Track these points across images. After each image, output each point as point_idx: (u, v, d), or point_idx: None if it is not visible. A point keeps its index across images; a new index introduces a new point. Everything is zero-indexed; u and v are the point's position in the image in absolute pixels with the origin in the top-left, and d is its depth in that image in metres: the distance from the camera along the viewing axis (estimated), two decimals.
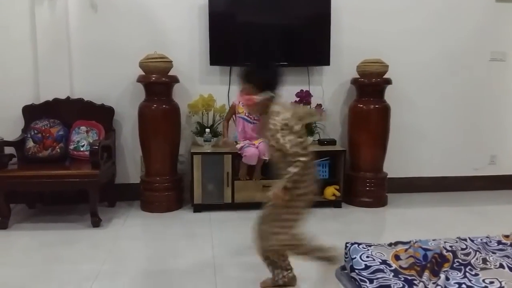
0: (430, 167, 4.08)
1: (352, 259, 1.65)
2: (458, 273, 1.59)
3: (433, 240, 1.80)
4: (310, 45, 3.74)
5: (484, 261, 1.65)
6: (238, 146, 3.39)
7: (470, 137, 4.11)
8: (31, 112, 3.43)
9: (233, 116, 3.52)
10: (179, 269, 2.52)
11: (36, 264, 2.56)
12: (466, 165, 4.12)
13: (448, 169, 4.11)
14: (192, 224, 3.26)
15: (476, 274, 1.57)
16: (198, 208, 3.48)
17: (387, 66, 3.60)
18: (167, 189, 3.49)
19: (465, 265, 1.63)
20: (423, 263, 1.62)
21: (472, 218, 3.46)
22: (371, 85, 3.62)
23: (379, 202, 3.70)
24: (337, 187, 3.59)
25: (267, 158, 3.27)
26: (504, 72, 4.07)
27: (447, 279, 1.56)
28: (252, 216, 3.35)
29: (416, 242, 1.76)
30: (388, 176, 3.75)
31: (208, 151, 3.48)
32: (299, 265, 2.24)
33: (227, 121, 3.53)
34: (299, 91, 3.67)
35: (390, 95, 3.69)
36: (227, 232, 3.11)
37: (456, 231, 3.00)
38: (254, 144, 3.34)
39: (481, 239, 1.85)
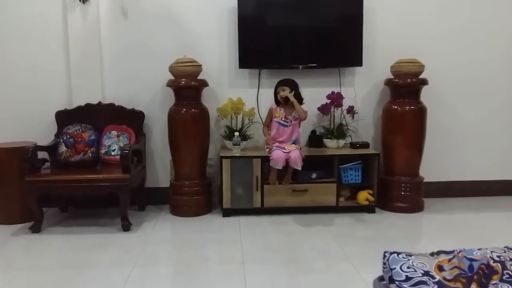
0: (470, 170, 3.89)
1: (392, 269, 1.54)
2: (509, 286, 1.46)
3: (479, 249, 1.67)
4: (342, 45, 3.65)
5: None
6: (267, 149, 3.34)
7: (506, 138, 3.89)
8: (64, 117, 3.49)
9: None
10: (208, 274, 2.48)
11: (68, 267, 2.58)
12: (509, 168, 3.91)
13: (490, 172, 3.91)
14: (221, 228, 3.22)
15: None
16: (227, 213, 3.44)
17: (423, 66, 3.46)
18: (196, 193, 3.46)
19: None
20: (469, 274, 1.50)
21: None
22: (406, 86, 3.48)
23: (415, 207, 3.55)
24: (371, 191, 3.47)
25: (299, 168, 3.20)
26: None
27: None
28: (281, 221, 3.34)
29: (460, 251, 1.64)
30: (424, 180, 3.60)
31: (237, 155, 3.44)
32: None
33: (267, 126, 3.48)
34: (330, 93, 3.58)
35: (427, 96, 3.54)
36: (257, 237, 3.05)
37: (500, 239, 2.88)
38: (284, 148, 3.27)
39: None
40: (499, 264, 1.55)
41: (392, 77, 3.55)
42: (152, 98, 3.67)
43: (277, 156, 3.20)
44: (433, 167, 3.73)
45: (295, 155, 3.20)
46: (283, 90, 3.30)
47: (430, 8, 3.69)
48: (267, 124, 3.47)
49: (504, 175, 3.92)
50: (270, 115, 3.43)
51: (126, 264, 2.58)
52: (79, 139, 3.35)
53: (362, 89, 3.76)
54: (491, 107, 3.84)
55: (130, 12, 3.57)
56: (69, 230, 3.20)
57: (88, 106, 3.52)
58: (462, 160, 3.88)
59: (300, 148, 3.35)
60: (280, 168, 3.23)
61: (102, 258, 2.70)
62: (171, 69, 3.39)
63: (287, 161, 3.24)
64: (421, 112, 3.50)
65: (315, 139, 3.66)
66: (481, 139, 3.85)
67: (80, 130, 3.39)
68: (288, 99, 3.28)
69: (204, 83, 3.45)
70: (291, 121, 3.34)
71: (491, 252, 1.63)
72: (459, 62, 3.75)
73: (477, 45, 3.74)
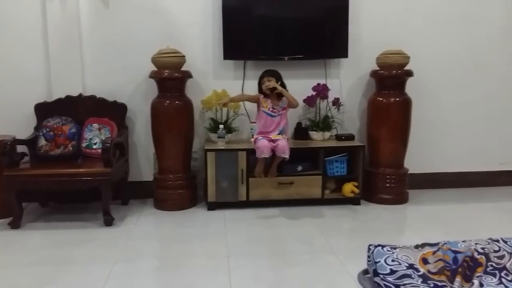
0: (454, 162, 3.92)
1: (376, 262, 1.53)
2: (493, 278, 1.46)
3: (463, 241, 1.66)
4: (327, 37, 3.61)
5: None
6: (252, 139, 3.29)
7: (495, 131, 3.92)
8: (43, 110, 3.39)
9: (257, 109, 3.39)
10: (193, 269, 2.45)
11: (48, 264, 2.53)
12: (492, 160, 3.94)
13: (473, 164, 3.94)
14: (206, 222, 3.18)
15: None
16: (212, 206, 3.40)
17: (409, 57, 3.45)
18: (180, 187, 3.42)
19: (500, 270, 1.50)
20: (454, 267, 1.49)
21: (499, 215, 3.30)
22: (391, 77, 3.47)
23: (400, 199, 3.56)
24: (356, 183, 3.47)
25: (287, 156, 3.17)
26: None
27: (481, 285, 1.43)
28: (267, 214, 3.31)
29: (444, 243, 1.63)
30: (409, 172, 3.61)
31: (222, 147, 3.40)
32: None
33: (242, 96, 3.48)
34: (316, 84, 3.55)
35: (412, 87, 3.54)
36: (242, 230, 3.02)
37: (483, 229, 2.91)
38: (270, 138, 3.22)
39: None
40: (483, 256, 1.54)
41: (378, 68, 3.54)
42: (134, 90, 3.59)
43: (262, 145, 3.15)
44: (417, 159, 3.74)
45: (283, 143, 3.16)
46: (269, 81, 3.25)
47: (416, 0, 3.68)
48: (245, 99, 3.46)
49: (487, 166, 3.96)
50: (255, 100, 3.33)
51: (108, 260, 2.53)
52: (59, 132, 3.27)
53: (348, 81, 3.74)
54: (475, 99, 3.86)
55: (112, 1, 3.47)
56: (49, 225, 3.13)
57: (69, 98, 3.42)
58: (446, 151, 3.90)
59: (288, 139, 3.32)
60: (267, 156, 3.16)
61: (84, 253, 2.65)
62: (154, 60, 3.32)
63: (273, 151, 3.20)
64: (406, 104, 3.49)
65: (300, 131, 3.63)
66: (463, 131, 3.87)
67: (60, 123, 3.30)
68: (274, 90, 3.24)
69: (188, 75, 3.39)
70: (278, 111, 3.30)
71: (476, 244, 1.63)
72: (443, 53, 3.75)
73: (461, 36, 3.75)
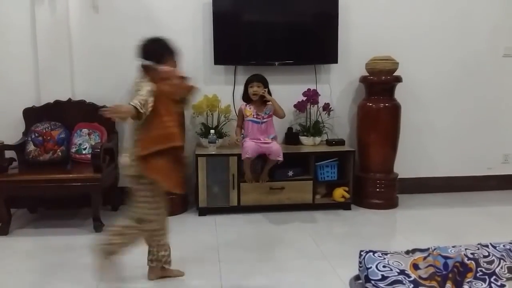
0: (443, 167, 3.96)
1: (368, 268, 1.54)
2: (483, 283, 1.48)
3: (453, 246, 1.68)
4: (317, 43, 3.64)
5: (510, 270, 1.54)
6: (240, 143, 3.29)
7: (483, 136, 3.98)
8: (32, 115, 3.36)
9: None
10: (184, 275, 2.43)
11: (37, 271, 2.50)
12: (479, 165, 4.00)
13: (461, 168, 3.99)
14: (197, 228, 3.17)
15: (503, 285, 1.46)
16: (203, 212, 3.39)
17: (397, 63, 3.49)
18: (171, 192, 3.39)
19: (490, 275, 1.52)
20: (444, 272, 1.51)
21: (488, 220, 3.35)
22: (380, 83, 3.51)
23: (390, 203, 3.59)
24: (346, 188, 3.49)
25: (281, 159, 3.18)
26: None
27: None
28: (258, 219, 3.31)
29: (435, 249, 1.65)
30: (398, 177, 3.64)
31: (213, 152, 3.39)
32: None
33: (239, 127, 3.41)
34: (306, 90, 3.57)
35: (400, 93, 3.58)
36: (233, 236, 3.02)
37: (472, 233, 2.94)
38: (260, 141, 3.23)
39: (503, 245, 1.72)
40: (473, 262, 1.56)
41: (367, 74, 3.57)
42: (125, 95, 3.54)
43: (248, 145, 3.15)
44: (406, 164, 3.78)
45: (276, 146, 3.18)
46: (258, 87, 3.26)
47: (405, 6, 3.72)
48: (240, 125, 3.42)
49: (475, 171, 4.01)
50: (241, 115, 3.37)
51: None
52: (48, 137, 3.23)
53: (338, 86, 3.77)
54: (463, 104, 3.92)
55: (101, 6, 3.46)
56: (38, 231, 3.09)
57: (58, 103, 3.40)
58: (435, 156, 3.94)
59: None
60: (250, 156, 3.15)
61: (73, 260, 2.61)
62: None
63: (265, 156, 3.21)
64: (395, 109, 3.53)
65: (291, 137, 3.65)
66: (451, 136, 3.93)
67: (49, 128, 3.27)
68: (262, 97, 3.25)
69: None
70: (263, 118, 3.30)
71: (465, 249, 1.65)
72: (431, 59, 3.80)
73: (450, 43, 3.81)
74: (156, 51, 2.22)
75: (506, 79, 3.93)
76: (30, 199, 3.41)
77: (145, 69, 2.16)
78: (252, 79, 3.30)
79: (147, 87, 2.08)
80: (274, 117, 3.37)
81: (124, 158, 2.18)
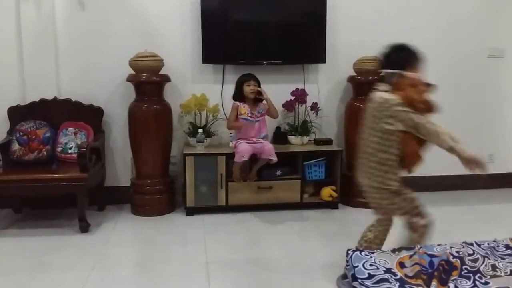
0: (430, 165, 3.96)
1: (354, 267, 1.55)
2: (467, 281, 1.50)
3: (438, 245, 1.71)
4: (305, 42, 3.64)
5: (494, 267, 1.56)
6: (232, 144, 3.28)
7: (468, 135, 3.98)
8: (17, 114, 3.31)
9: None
10: (171, 276, 2.41)
11: (22, 271, 2.45)
12: None
13: (448, 167, 4.00)
14: (184, 228, 3.15)
15: (487, 283, 1.48)
16: (191, 211, 3.37)
17: None
18: (158, 192, 3.37)
19: (474, 273, 1.54)
20: (430, 271, 1.53)
21: (474, 218, 3.39)
22: (368, 83, 3.50)
23: None
24: (334, 187, 3.50)
25: (275, 159, 3.18)
26: (502, 69, 4.00)
27: None
28: (246, 218, 3.30)
29: (421, 247, 1.67)
30: None
31: (201, 152, 3.37)
32: None
33: (233, 117, 3.31)
34: (294, 89, 3.57)
35: None
36: (221, 235, 3.01)
37: (459, 232, 2.96)
38: (251, 141, 3.23)
39: (488, 244, 1.76)
40: (458, 260, 1.58)
41: (355, 74, 3.59)
42: (111, 94, 3.54)
43: (243, 148, 3.15)
44: None
45: (269, 146, 3.18)
46: (255, 85, 3.26)
47: (392, 6, 3.75)
48: (234, 119, 3.34)
49: (459, 170, 4.03)
50: (236, 111, 3.34)
51: (83, 268, 2.47)
52: (33, 137, 3.19)
53: (326, 86, 3.78)
54: (451, 104, 3.94)
55: (88, 3, 3.42)
56: (23, 232, 3.04)
57: (43, 101, 3.35)
58: (424, 155, 3.96)
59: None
60: (247, 159, 3.18)
61: (59, 261, 2.58)
62: (132, 64, 3.28)
63: (256, 155, 3.20)
64: None
65: (279, 136, 3.65)
66: None
67: (34, 127, 3.23)
68: (259, 94, 3.26)
69: (166, 78, 3.36)
70: (257, 116, 3.31)
71: (451, 247, 1.67)
72: None
73: (437, 43, 3.83)
74: (404, 59, 2.18)
75: (491, 80, 3.98)
76: (15, 199, 3.35)
77: (391, 77, 2.16)
78: (249, 78, 3.29)
79: (402, 107, 2.09)
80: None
81: None
